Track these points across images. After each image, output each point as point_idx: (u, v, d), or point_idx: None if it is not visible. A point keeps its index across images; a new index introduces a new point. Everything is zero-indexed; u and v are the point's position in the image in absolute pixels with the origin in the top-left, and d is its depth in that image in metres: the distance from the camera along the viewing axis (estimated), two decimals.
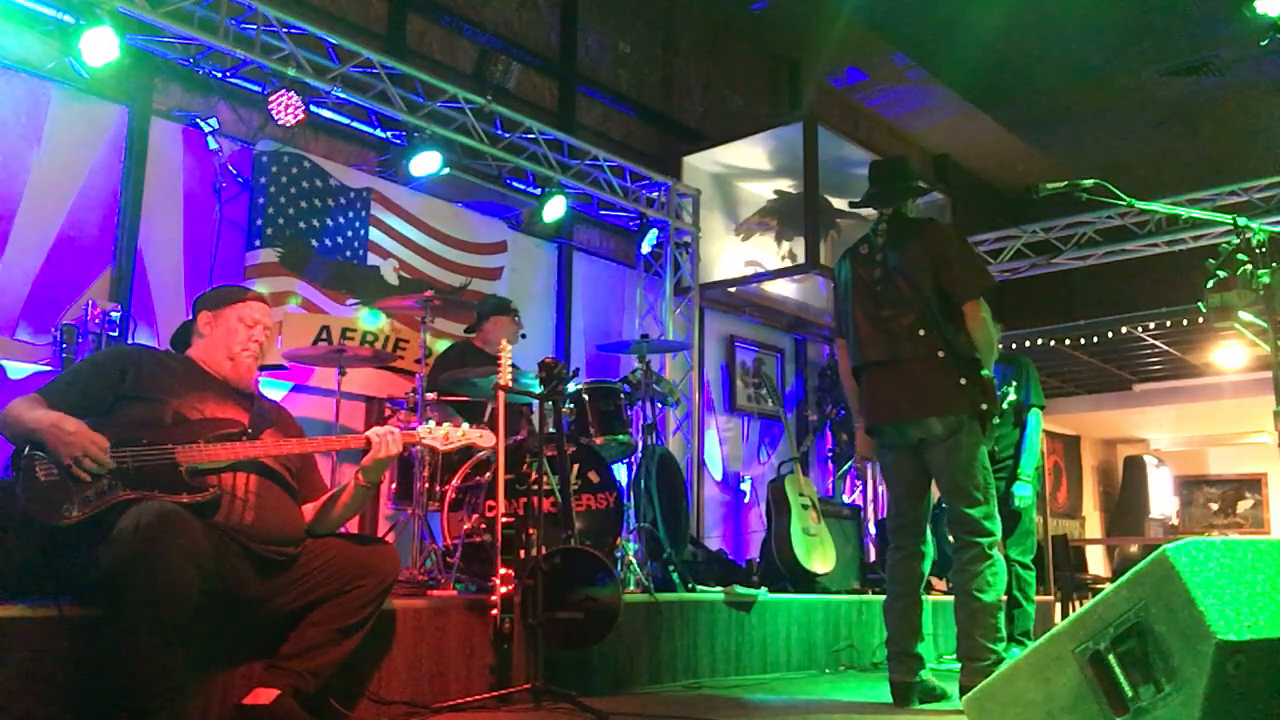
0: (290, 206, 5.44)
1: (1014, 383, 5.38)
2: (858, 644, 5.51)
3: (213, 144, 5.23)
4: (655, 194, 7.41)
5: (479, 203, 6.48)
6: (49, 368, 4.42)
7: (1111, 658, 2.06)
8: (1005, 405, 5.27)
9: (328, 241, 5.62)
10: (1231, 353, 9.80)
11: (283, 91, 5.05)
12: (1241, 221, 2.98)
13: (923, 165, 10.83)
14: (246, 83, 5.32)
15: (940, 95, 9.93)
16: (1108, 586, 2.18)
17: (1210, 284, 2.95)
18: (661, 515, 5.34)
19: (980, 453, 3.66)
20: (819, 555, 6.01)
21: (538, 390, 3.81)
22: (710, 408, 8.14)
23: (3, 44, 4.62)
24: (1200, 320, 8.51)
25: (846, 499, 8.64)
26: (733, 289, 8.19)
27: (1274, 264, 2.87)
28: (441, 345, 5.63)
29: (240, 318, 2.99)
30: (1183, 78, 9.39)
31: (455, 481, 4.40)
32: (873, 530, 7.93)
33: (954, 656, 3.74)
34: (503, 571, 3.55)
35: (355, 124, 5.90)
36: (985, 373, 3.65)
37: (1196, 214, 3.47)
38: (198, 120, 5.18)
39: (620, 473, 5.55)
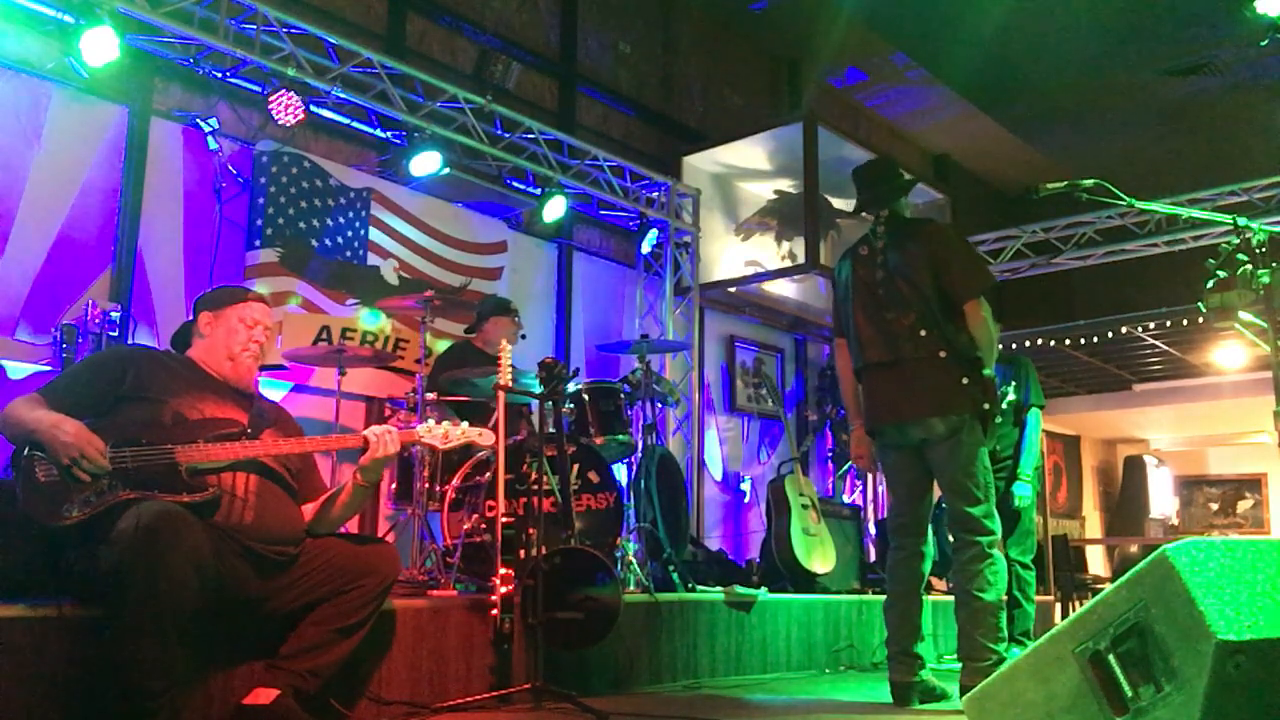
0: (290, 206, 5.44)
1: (1013, 382, 5.38)
2: (858, 644, 5.51)
3: (213, 144, 5.23)
4: (655, 194, 7.41)
5: (479, 203, 6.48)
6: (49, 368, 4.42)
7: (1111, 658, 2.06)
8: (1005, 405, 5.27)
9: (328, 241, 5.62)
10: (1231, 353, 9.80)
11: (283, 91, 5.05)
12: (1241, 221, 2.98)
13: (923, 165, 10.83)
14: (246, 83, 5.32)
15: (940, 95, 9.93)
16: (1108, 586, 2.18)
17: (1210, 284, 2.95)
18: (661, 515, 5.34)
19: (981, 452, 3.66)
20: (819, 555, 6.01)
21: (538, 390, 3.81)
22: (710, 408, 8.14)
23: (3, 44, 4.62)
24: (1200, 320, 8.51)
25: (846, 499, 8.64)
26: (733, 289, 8.19)
27: (1274, 264, 2.87)
28: (441, 345, 5.63)
29: (241, 318, 2.99)
30: (1183, 78, 9.39)
31: (455, 481, 4.40)
32: (873, 530, 7.94)
33: (954, 656, 3.74)
34: (503, 571, 3.55)
35: (355, 124, 5.90)
36: (987, 372, 3.65)
37: (1196, 214, 3.47)
38: (198, 120, 5.18)
39: (620, 473, 5.55)
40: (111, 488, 2.53)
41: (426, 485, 4.44)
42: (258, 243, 5.33)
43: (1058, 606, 7.82)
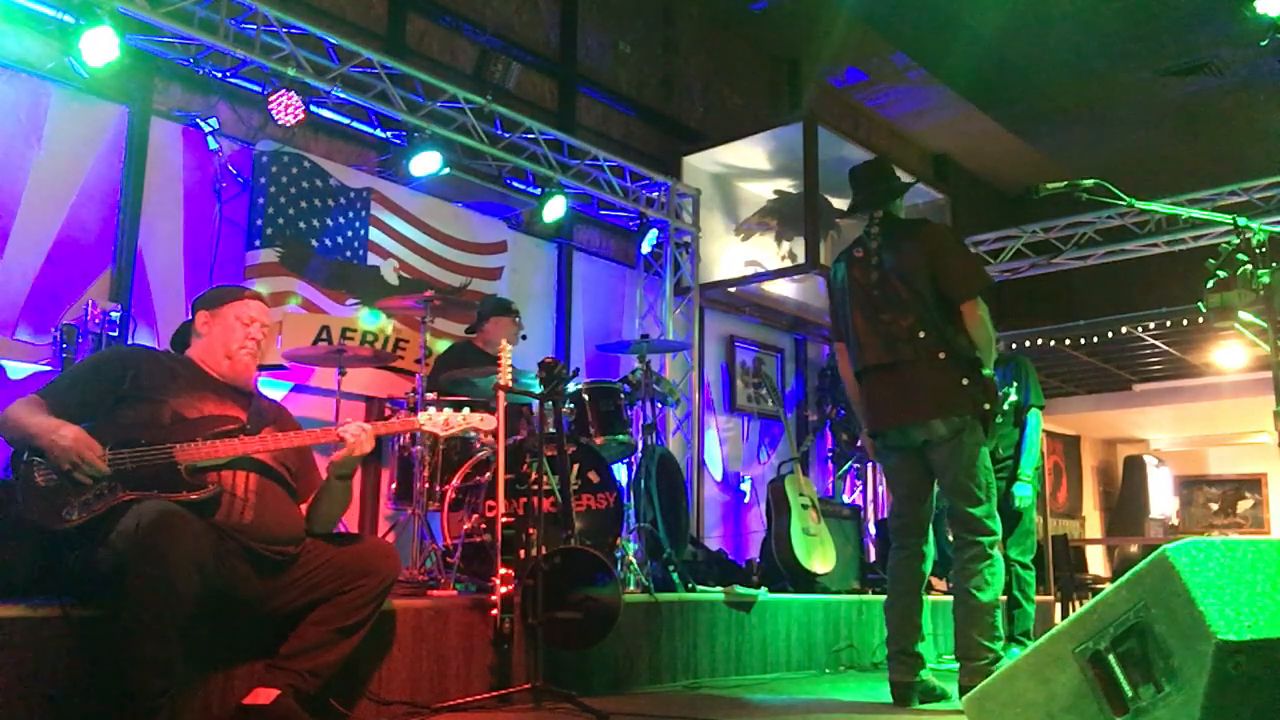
0: (290, 206, 5.44)
1: (1014, 384, 5.38)
2: (858, 644, 5.51)
3: (213, 144, 5.23)
4: (655, 194, 7.41)
5: (479, 203, 6.48)
6: (49, 368, 4.42)
7: (1111, 658, 2.06)
8: (1006, 406, 5.27)
9: (328, 241, 5.62)
10: (1231, 353, 9.80)
11: (283, 91, 5.05)
12: (1241, 221, 2.98)
13: (923, 165, 10.83)
14: (246, 83, 5.31)
15: (940, 95, 9.92)
16: (1108, 586, 2.18)
17: (1210, 284, 2.95)
18: (661, 515, 5.34)
19: (983, 453, 3.66)
20: (819, 555, 6.01)
21: (538, 390, 3.81)
22: (710, 408, 8.14)
23: (3, 44, 4.62)
24: (1200, 320, 8.51)
25: (846, 499, 8.64)
26: (733, 289, 8.19)
27: (1274, 264, 2.87)
28: (441, 345, 5.63)
29: (237, 316, 3.00)
30: (1183, 78, 9.38)
31: (455, 481, 4.39)
32: (873, 530, 7.94)
33: (953, 656, 3.74)
34: (503, 571, 3.55)
35: (355, 124, 5.90)
36: (986, 372, 3.65)
37: (1196, 214, 3.47)
38: (198, 120, 5.18)
39: (620, 473, 5.55)
40: (111, 489, 2.53)
41: (426, 485, 4.44)
42: (258, 243, 5.33)
43: (1058, 606, 7.82)
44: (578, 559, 3.60)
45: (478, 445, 4.55)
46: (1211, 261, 2.97)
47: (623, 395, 5.13)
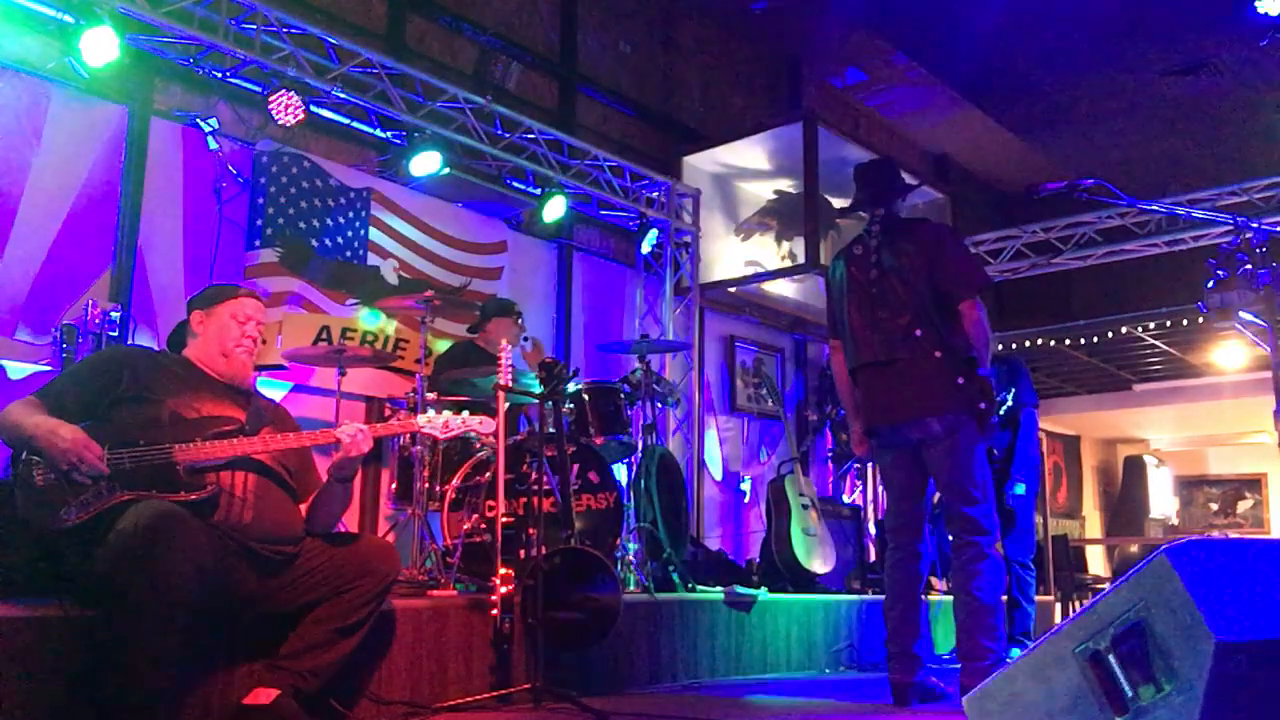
0: (290, 206, 5.44)
1: (1011, 389, 5.35)
2: (858, 644, 5.51)
3: (213, 144, 5.23)
4: (655, 194, 7.41)
5: (479, 203, 6.48)
6: (49, 368, 4.42)
7: (1111, 658, 2.06)
8: (1002, 411, 5.26)
9: (328, 241, 5.62)
10: (1231, 353, 9.80)
11: (283, 91, 5.05)
12: (1241, 221, 2.98)
13: (922, 165, 10.83)
14: (246, 83, 5.31)
15: (940, 95, 9.92)
16: (1108, 586, 2.18)
17: (1210, 284, 2.95)
18: (661, 515, 5.34)
19: (978, 451, 3.66)
20: (819, 555, 6.01)
21: (538, 390, 3.81)
22: (710, 408, 8.14)
23: (3, 44, 4.62)
24: (1200, 320, 8.52)
25: (846, 499, 8.64)
26: (733, 289, 8.19)
27: (1274, 264, 2.88)
28: (441, 345, 5.63)
29: (233, 314, 2.99)
30: (1183, 78, 9.39)
31: (455, 481, 4.39)
32: (873, 530, 7.93)
33: (953, 656, 3.74)
34: (503, 571, 3.55)
35: (355, 124, 5.90)
36: (983, 371, 3.65)
37: (1196, 214, 3.48)
38: (198, 120, 5.18)
39: (620, 473, 5.55)
40: (110, 489, 2.53)
41: (426, 485, 4.44)
42: (258, 243, 5.33)
43: (1058, 606, 7.82)
44: (578, 559, 3.60)
45: (478, 445, 4.55)
46: (1211, 261, 2.97)
47: (623, 395, 5.12)
